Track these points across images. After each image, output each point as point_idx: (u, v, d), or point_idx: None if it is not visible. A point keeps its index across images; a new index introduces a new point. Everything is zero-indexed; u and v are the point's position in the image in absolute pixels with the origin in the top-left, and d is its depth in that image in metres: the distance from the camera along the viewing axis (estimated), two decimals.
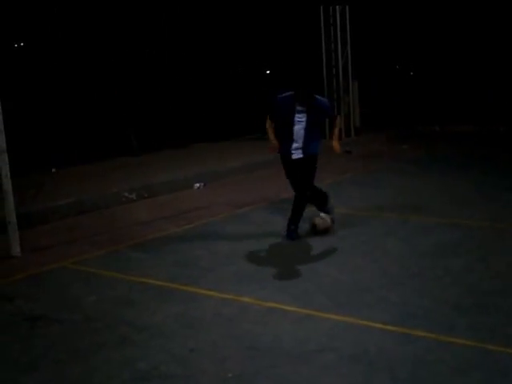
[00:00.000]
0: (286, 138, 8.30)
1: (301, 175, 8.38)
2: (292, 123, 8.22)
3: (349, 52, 19.05)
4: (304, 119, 8.19)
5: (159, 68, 18.04)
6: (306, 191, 8.44)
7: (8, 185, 8.28)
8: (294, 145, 8.28)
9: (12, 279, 7.42)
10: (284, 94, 8.34)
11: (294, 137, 8.24)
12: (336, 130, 8.65)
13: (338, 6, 18.70)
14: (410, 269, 6.98)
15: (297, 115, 8.21)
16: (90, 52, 16.17)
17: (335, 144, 8.47)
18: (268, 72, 22.99)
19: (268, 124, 8.46)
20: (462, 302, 5.91)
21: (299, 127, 8.21)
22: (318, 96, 8.41)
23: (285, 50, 21.78)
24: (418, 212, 9.60)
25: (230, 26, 20.05)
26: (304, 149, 8.27)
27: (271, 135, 8.43)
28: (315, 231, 8.49)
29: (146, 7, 17.37)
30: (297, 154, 8.32)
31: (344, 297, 6.23)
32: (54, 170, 14.36)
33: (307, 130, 8.21)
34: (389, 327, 5.40)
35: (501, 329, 5.28)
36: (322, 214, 8.59)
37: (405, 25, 21.57)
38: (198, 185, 12.84)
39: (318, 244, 8.19)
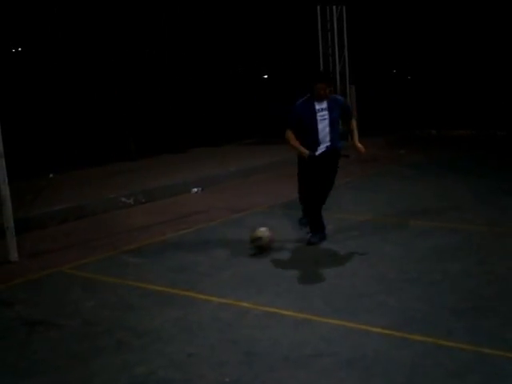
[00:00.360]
0: (311, 139, 8.21)
1: (327, 172, 8.33)
2: (316, 123, 8.14)
3: (346, 56, 19.11)
4: (326, 116, 8.12)
5: (159, 68, 18.03)
6: (333, 182, 8.46)
7: (6, 190, 8.29)
8: (321, 145, 8.20)
9: (10, 284, 7.42)
10: (300, 100, 8.32)
11: (320, 136, 8.16)
12: (356, 132, 8.53)
13: (334, 7, 18.74)
14: (408, 273, 6.99)
15: (318, 114, 8.14)
16: (89, 53, 16.17)
17: (359, 145, 8.38)
18: (266, 76, 23.00)
19: (288, 135, 8.32)
20: (460, 306, 5.92)
21: (323, 125, 8.14)
22: (334, 94, 8.41)
23: (282, 54, 21.81)
24: (416, 216, 9.61)
25: (228, 29, 20.06)
26: (328, 146, 8.21)
27: (296, 143, 8.29)
28: (260, 246, 8.11)
29: (146, 7, 17.38)
30: (320, 150, 8.22)
31: (342, 301, 6.24)
32: (51, 175, 14.37)
33: (331, 126, 8.15)
34: (386, 331, 5.41)
35: (498, 333, 5.29)
36: (263, 229, 8.21)
37: (402, 29, 21.60)
38: (195, 189, 12.86)
39: (316, 249, 8.20)
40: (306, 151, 8.19)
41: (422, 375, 4.62)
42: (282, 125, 8.54)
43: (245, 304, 6.28)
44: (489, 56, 20.39)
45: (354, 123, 8.54)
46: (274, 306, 6.16)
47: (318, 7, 18.89)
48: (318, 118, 8.14)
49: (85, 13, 15.94)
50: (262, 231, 8.14)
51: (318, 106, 8.15)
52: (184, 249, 8.46)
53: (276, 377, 4.74)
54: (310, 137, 8.21)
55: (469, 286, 6.49)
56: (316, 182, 8.34)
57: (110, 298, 6.77)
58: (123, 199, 11.69)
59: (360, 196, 11.43)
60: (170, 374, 4.88)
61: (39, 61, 15.41)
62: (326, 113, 8.14)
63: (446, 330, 5.37)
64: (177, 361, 5.11)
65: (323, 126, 8.15)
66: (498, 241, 8.22)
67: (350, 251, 8.07)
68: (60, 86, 15.59)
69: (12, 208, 8.44)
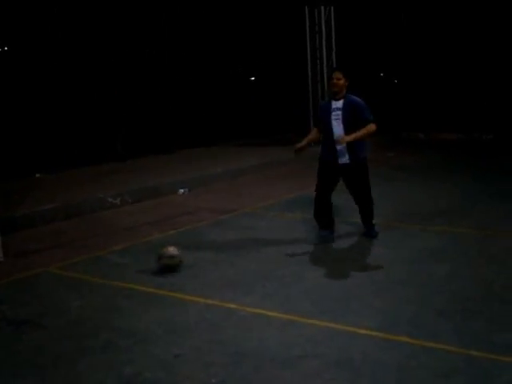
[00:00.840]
0: (327, 141, 8.20)
1: (356, 184, 8.39)
2: (329, 122, 8.10)
3: (334, 59, 19.11)
4: (339, 116, 8.04)
5: (154, 69, 18.04)
6: (369, 196, 8.47)
7: None
8: (338, 148, 8.07)
9: None
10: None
11: (335, 137, 8.05)
12: (361, 132, 7.98)
13: (323, 8, 18.74)
14: (395, 275, 6.99)
15: (333, 113, 8.09)
16: (85, 53, 16.12)
17: (349, 136, 7.92)
18: (253, 78, 23.02)
19: (312, 131, 8.71)
20: (447, 309, 5.93)
21: (337, 126, 8.06)
22: (354, 96, 8.20)
23: (271, 56, 21.86)
24: (404, 219, 9.62)
25: (223, 31, 20.13)
26: (350, 152, 8.08)
27: (307, 137, 8.59)
28: (170, 264, 7.51)
29: (146, 7, 17.38)
30: (342, 159, 8.14)
31: (329, 303, 6.24)
32: (38, 175, 14.32)
33: (346, 127, 8.00)
34: (374, 333, 5.41)
35: (485, 335, 5.30)
36: (171, 248, 7.59)
37: (389, 32, 21.66)
38: (182, 190, 12.84)
39: (303, 250, 8.19)
40: (297, 145, 8.37)
41: (409, 377, 4.62)
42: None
43: (232, 305, 6.27)
44: (475, 59, 20.47)
45: (368, 127, 8.04)
46: (260, 308, 6.16)
47: (306, 8, 18.89)
48: (332, 117, 8.10)
49: (84, 13, 15.91)
50: (173, 250, 7.58)
51: (333, 105, 8.14)
52: None
53: (263, 378, 4.72)
54: (327, 138, 8.24)
55: (456, 289, 6.50)
56: (326, 186, 8.45)
57: (97, 298, 6.75)
58: (111, 199, 11.65)
59: (348, 199, 11.41)
60: (156, 375, 4.86)
61: (29, 61, 15.31)
62: (339, 113, 8.06)
63: (433, 332, 5.38)
64: (163, 361, 5.09)
65: (337, 127, 8.07)
66: (485, 244, 8.23)
67: (338, 253, 8.10)
68: (49, 86, 15.52)
69: None
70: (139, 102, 17.55)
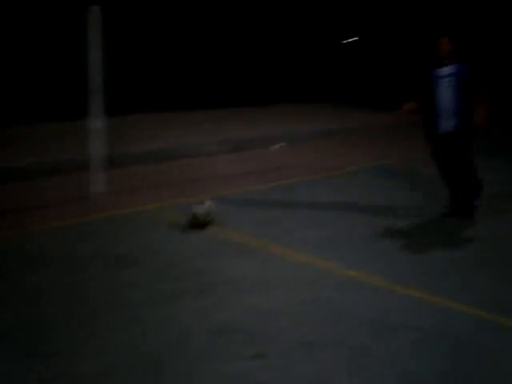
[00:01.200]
0: (431, 110, 7.59)
1: (456, 152, 7.67)
2: (438, 89, 7.52)
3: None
4: (453, 82, 7.46)
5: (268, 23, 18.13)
6: (470, 167, 7.75)
7: (98, 124, 8.33)
8: (443, 115, 7.53)
9: (93, 217, 7.48)
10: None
11: (441, 106, 7.52)
12: (486, 103, 7.45)
13: None
14: (503, 255, 6.65)
15: (443, 80, 7.50)
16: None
17: (483, 115, 7.40)
18: (346, 41, 22.81)
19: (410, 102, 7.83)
20: None
21: (443, 94, 7.49)
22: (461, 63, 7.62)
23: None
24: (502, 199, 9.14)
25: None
26: (458, 118, 7.49)
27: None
28: (194, 223, 7.25)
29: None
30: (446, 127, 7.57)
31: (430, 275, 5.96)
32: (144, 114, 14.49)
33: (458, 94, 7.45)
34: (477, 312, 5.08)
35: None
36: (208, 203, 7.45)
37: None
38: (279, 144, 12.74)
39: (409, 220, 7.90)
40: (406, 107, 7.75)
41: None
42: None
43: (329, 265, 6.12)
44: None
45: (485, 94, 7.51)
46: (358, 271, 5.97)
47: None
48: (442, 84, 7.51)
49: None
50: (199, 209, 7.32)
51: (441, 72, 7.54)
52: (268, 202, 8.34)
53: (355, 342, 4.52)
54: (433, 106, 7.59)
55: None
56: (442, 159, 7.81)
57: (193, 242, 6.73)
58: (211, 146, 11.69)
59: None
60: (247, 327, 4.76)
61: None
62: (452, 78, 7.48)
63: None
64: (255, 314, 4.99)
65: (447, 94, 7.49)
66: None
67: (445, 229, 7.72)
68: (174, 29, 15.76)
69: (102, 142, 8.48)
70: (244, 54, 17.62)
